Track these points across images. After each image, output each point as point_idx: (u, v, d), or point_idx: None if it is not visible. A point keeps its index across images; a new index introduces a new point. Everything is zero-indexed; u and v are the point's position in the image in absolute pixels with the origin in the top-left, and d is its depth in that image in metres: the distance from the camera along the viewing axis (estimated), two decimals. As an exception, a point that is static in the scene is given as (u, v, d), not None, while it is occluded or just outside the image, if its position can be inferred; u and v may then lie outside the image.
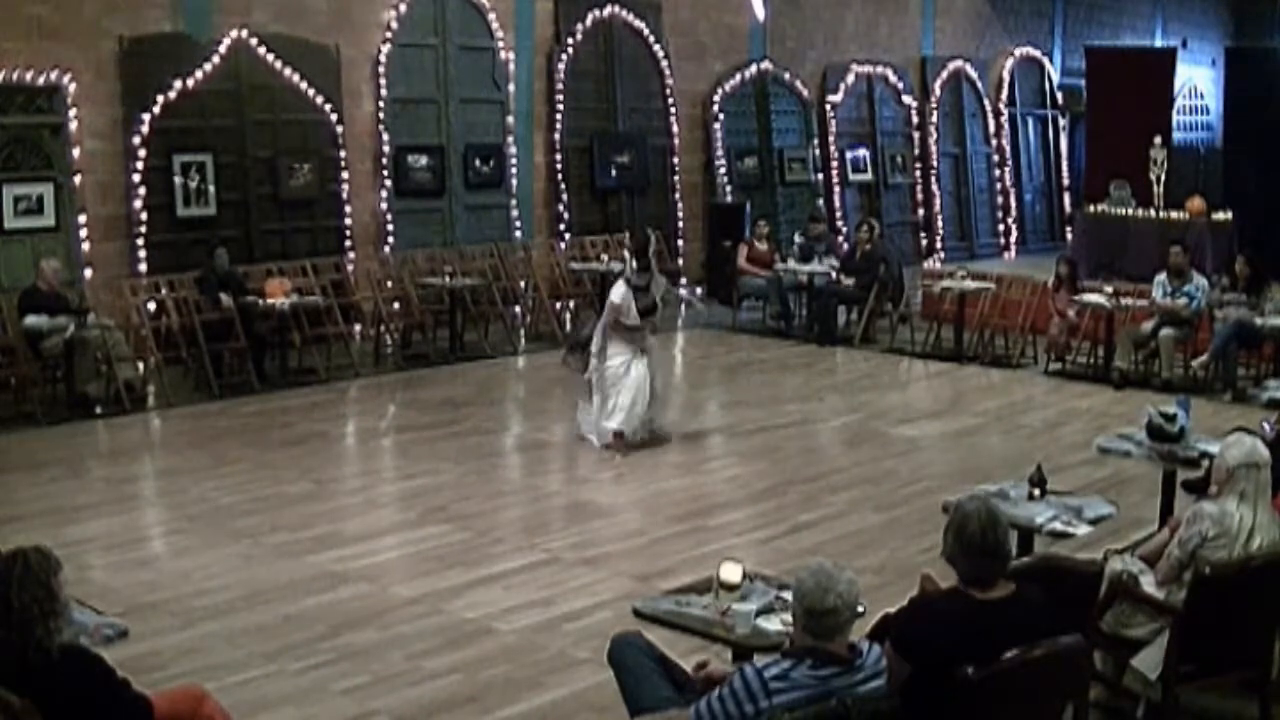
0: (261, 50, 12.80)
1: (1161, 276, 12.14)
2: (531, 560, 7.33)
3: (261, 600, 6.67)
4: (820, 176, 18.13)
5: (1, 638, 3.89)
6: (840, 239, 16.99)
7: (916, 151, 19.52)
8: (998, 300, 13.42)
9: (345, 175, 13.45)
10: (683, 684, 4.44)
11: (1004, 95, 20.95)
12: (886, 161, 18.96)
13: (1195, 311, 11.90)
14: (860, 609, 3.96)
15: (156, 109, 12.10)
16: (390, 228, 13.94)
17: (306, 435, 10.05)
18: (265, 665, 5.90)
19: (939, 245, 19.49)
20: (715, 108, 16.95)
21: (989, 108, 20.63)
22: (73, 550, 6.93)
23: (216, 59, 12.49)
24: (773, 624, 4.61)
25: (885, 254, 14.52)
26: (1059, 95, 21.85)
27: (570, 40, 15.39)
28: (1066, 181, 21.81)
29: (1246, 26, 24.65)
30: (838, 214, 18.12)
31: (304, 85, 13.08)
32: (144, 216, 12.11)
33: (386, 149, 13.87)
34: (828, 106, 18.31)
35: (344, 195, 13.46)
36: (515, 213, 14.93)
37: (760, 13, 16.36)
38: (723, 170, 16.99)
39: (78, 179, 11.68)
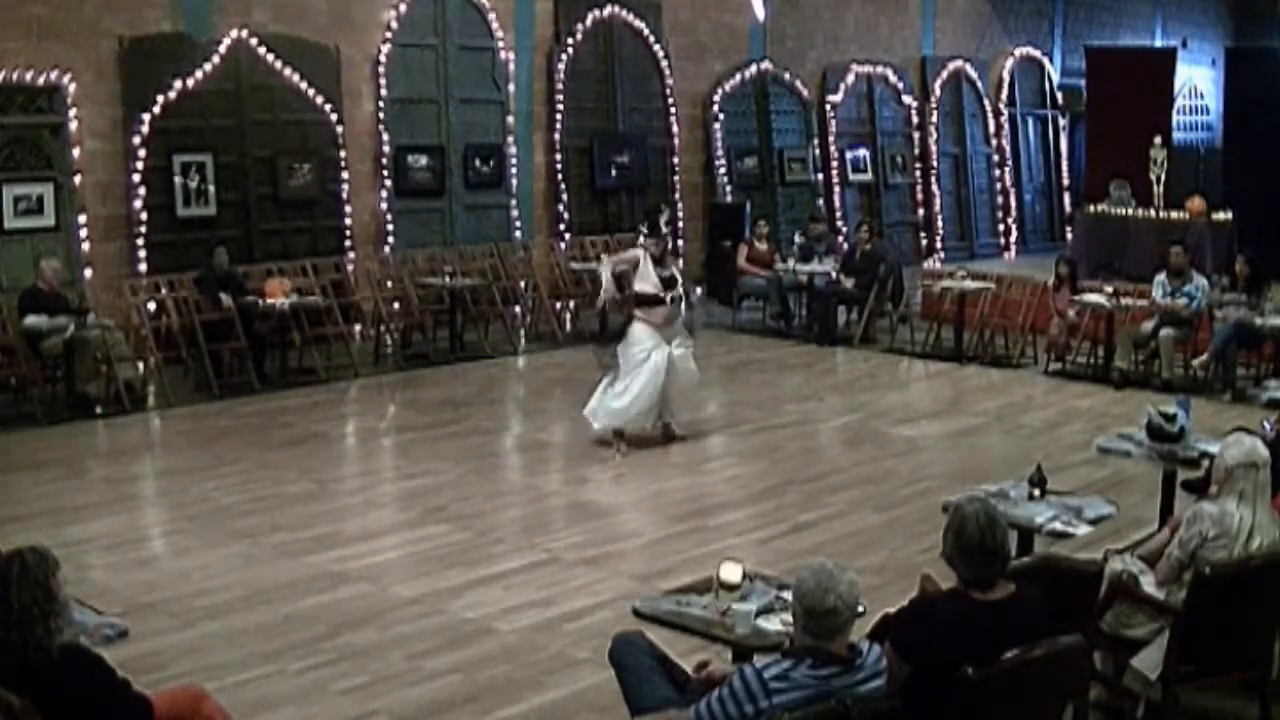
0: (261, 50, 12.80)
1: (1161, 276, 12.14)
2: (531, 560, 7.33)
3: (261, 600, 6.67)
4: (820, 176, 18.13)
5: (1, 638, 3.89)
6: (840, 239, 16.99)
7: (916, 151, 19.52)
8: (998, 300, 13.43)
9: (345, 175, 13.45)
10: (683, 684, 4.44)
11: (1004, 95, 20.95)
12: (886, 161, 18.96)
13: (1195, 311, 11.90)
14: (860, 609, 3.96)
15: (156, 109, 12.10)
16: (390, 228, 13.94)
17: (306, 435, 10.05)
18: (265, 665, 5.90)
19: (939, 245, 19.49)
20: (715, 108, 16.95)
21: (989, 108, 20.63)
22: (73, 550, 6.94)
23: (216, 59, 12.49)
24: (773, 624, 4.61)
25: (884, 254, 14.53)
26: (1059, 95, 21.85)
27: (570, 40, 15.39)
28: (1066, 181, 21.81)
29: (1246, 26, 24.65)
30: (838, 214, 18.12)
31: (304, 85, 13.08)
32: (144, 216, 12.11)
33: (386, 149, 13.87)
34: (828, 106, 18.31)
35: (344, 195, 13.46)
36: (515, 213, 14.93)
37: (760, 13, 16.36)
38: (723, 170, 17.00)
39: (78, 179, 11.68)
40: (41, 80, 11.42)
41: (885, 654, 4.00)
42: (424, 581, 6.96)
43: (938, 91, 19.77)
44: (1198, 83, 23.59)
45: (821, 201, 17.85)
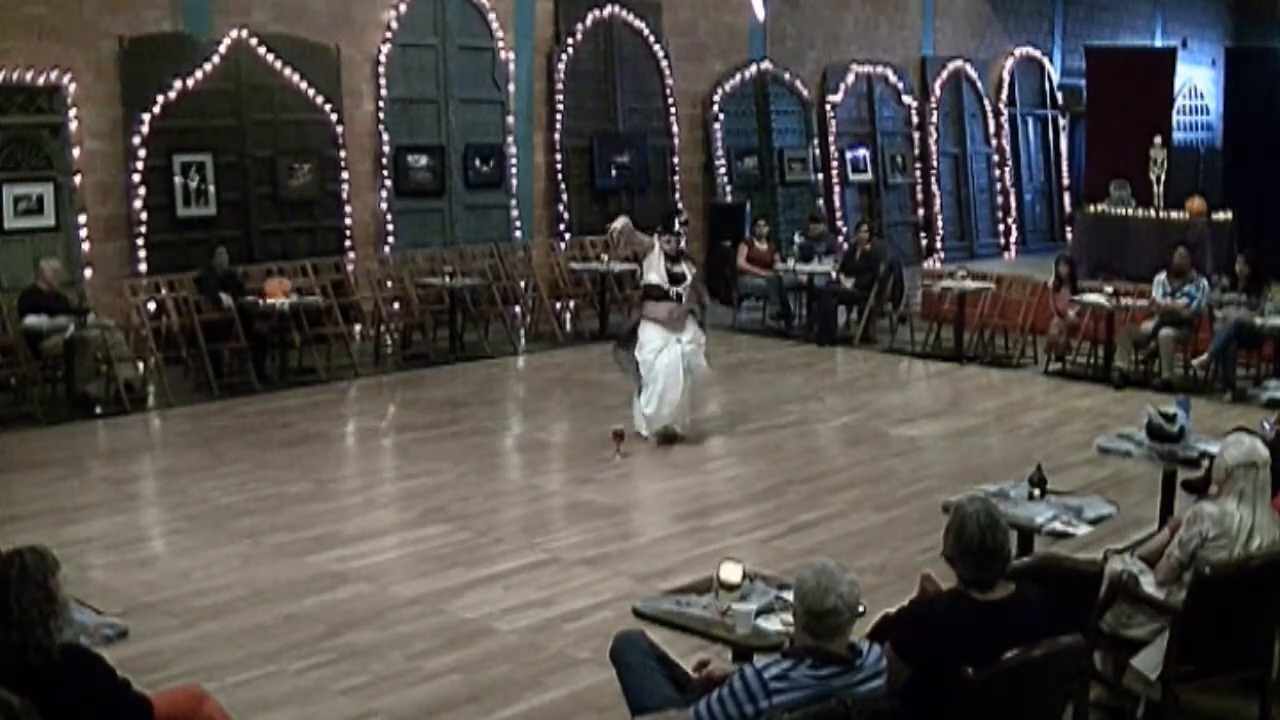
0: (261, 50, 12.81)
1: (1161, 276, 12.14)
2: (531, 560, 7.33)
3: (261, 600, 6.66)
4: (820, 176, 18.13)
5: (1, 638, 3.89)
6: (840, 239, 16.99)
7: (916, 151, 19.53)
8: (998, 300, 13.42)
9: (345, 175, 13.45)
10: (684, 684, 4.44)
11: (1004, 95, 20.96)
12: (886, 161, 18.96)
13: (1195, 311, 11.90)
14: (861, 609, 3.96)
15: (156, 109, 12.10)
16: (390, 228, 13.94)
17: (306, 435, 10.05)
18: (265, 665, 5.90)
19: (939, 245, 19.49)
20: (715, 108, 16.95)
21: (989, 108, 20.64)
22: (73, 550, 6.94)
23: (216, 59, 12.49)
24: (773, 624, 4.61)
25: (884, 254, 14.53)
26: (1059, 95, 21.85)
27: (570, 40, 15.39)
28: (1066, 181, 21.81)
29: (1246, 26, 24.65)
30: (838, 214, 18.13)
31: (304, 85, 13.08)
32: (144, 216, 12.11)
33: (386, 149, 13.87)
34: (828, 106, 18.31)
35: (344, 195, 13.46)
36: (515, 213, 14.93)
37: (760, 13, 16.36)
38: (723, 170, 17.00)
39: (78, 179, 11.68)
40: (41, 80, 11.42)
41: (885, 654, 4.00)
42: (424, 581, 6.96)
43: (938, 91, 19.78)
44: (1198, 83, 23.59)
45: (821, 201, 17.85)
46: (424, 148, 14.13)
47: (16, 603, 3.88)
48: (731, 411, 10.95)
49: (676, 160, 16.51)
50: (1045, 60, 21.79)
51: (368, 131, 13.81)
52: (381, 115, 13.83)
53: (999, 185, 20.68)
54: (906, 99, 19.36)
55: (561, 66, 15.29)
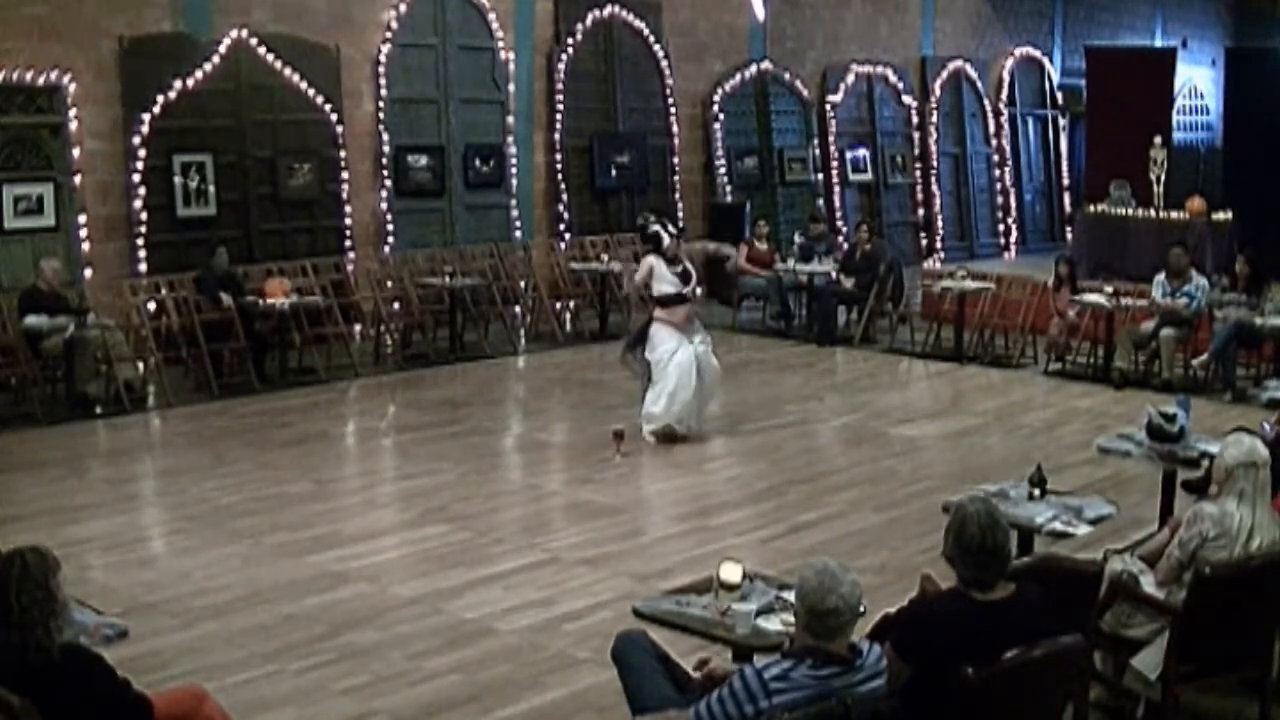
0: (261, 50, 12.81)
1: (1161, 276, 12.13)
2: (531, 560, 7.33)
3: (261, 600, 6.66)
4: (820, 176, 18.14)
5: (1, 638, 3.89)
6: (840, 239, 16.99)
7: (916, 151, 19.52)
8: (998, 300, 13.42)
9: (345, 175, 13.46)
10: (685, 684, 4.44)
11: (1004, 95, 20.96)
12: (886, 161, 18.97)
13: (1195, 311, 11.89)
14: (861, 610, 3.96)
15: (156, 109, 12.10)
16: (390, 228, 13.94)
17: (306, 435, 10.05)
18: (265, 665, 5.90)
19: (939, 245, 19.49)
20: (715, 108, 16.95)
21: (989, 108, 20.64)
22: (73, 550, 6.94)
23: (216, 59, 12.49)
24: (773, 624, 4.61)
25: (884, 254, 14.53)
26: (1059, 95, 21.85)
27: (570, 40, 15.39)
28: (1066, 181, 21.81)
29: (1246, 26, 24.65)
30: (838, 214, 18.13)
31: (304, 85, 13.08)
32: (144, 216, 12.11)
33: (386, 149, 13.87)
34: (828, 106, 18.31)
35: (344, 195, 13.47)
36: (515, 213, 14.93)
37: (760, 13, 16.36)
38: (723, 170, 17.00)
39: (78, 179, 11.68)
40: (41, 80, 11.42)
41: (885, 654, 4.00)
42: (424, 581, 6.96)
43: (938, 91, 19.78)
44: (1198, 83, 23.58)
45: (821, 201, 17.85)
46: (424, 148, 14.13)
47: (17, 603, 3.88)
48: (731, 411, 10.95)
49: (676, 160, 16.51)
50: (1045, 60, 21.79)
51: (368, 131, 13.81)
52: (381, 115, 13.83)
53: (999, 185, 20.68)
54: (906, 99, 19.36)
55: (561, 66, 15.29)
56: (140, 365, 11.25)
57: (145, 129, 12.05)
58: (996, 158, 20.69)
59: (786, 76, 17.70)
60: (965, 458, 9.70)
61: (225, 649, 6.07)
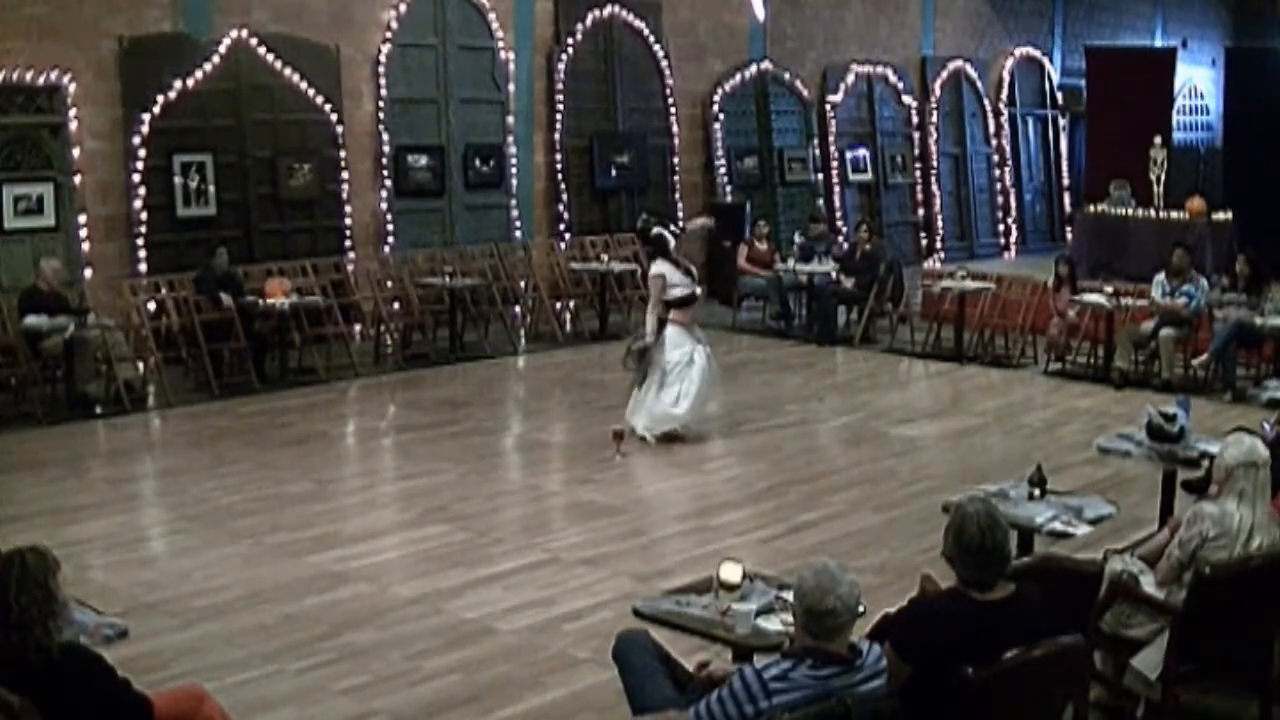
0: (261, 50, 12.81)
1: (1161, 276, 12.13)
2: (531, 560, 7.33)
3: (261, 600, 6.66)
4: (820, 176, 18.13)
5: (1, 638, 3.88)
6: (840, 239, 16.99)
7: (916, 151, 19.52)
8: (998, 300, 13.42)
9: (345, 175, 13.46)
10: (685, 683, 4.44)
11: (1004, 95, 20.95)
12: (886, 161, 18.96)
13: (1195, 311, 11.90)
14: (860, 610, 3.96)
15: (156, 109, 12.10)
16: (390, 228, 13.94)
17: (306, 435, 10.05)
18: (265, 665, 5.90)
19: (939, 245, 19.49)
20: (715, 108, 16.95)
21: (989, 108, 20.63)
22: (73, 550, 6.94)
23: (216, 59, 12.49)
24: (773, 624, 4.61)
25: (884, 253, 14.53)
26: (1059, 95, 21.84)
27: (570, 40, 15.39)
28: (1066, 181, 21.81)
29: (1246, 26, 24.65)
30: (838, 214, 18.13)
31: (304, 85, 13.08)
32: (144, 216, 12.11)
33: (386, 149, 13.87)
34: (828, 106, 18.31)
35: (344, 195, 13.47)
36: (515, 213, 14.93)
37: (760, 13, 16.36)
38: (723, 170, 17.00)
39: (78, 179, 11.68)
40: (41, 80, 11.42)
41: (885, 654, 4.00)
42: (424, 581, 6.96)
43: (938, 91, 19.78)
44: (1198, 83, 23.58)
45: (821, 201, 17.85)
46: (424, 148, 14.13)
47: (16, 603, 3.88)
48: (731, 411, 10.94)
49: (676, 160, 16.51)
50: (1045, 60, 21.78)
51: (368, 131, 13.81)
52: (381, 115, 13.83)
53: (999, 185, 20.68)
54: (906, 99, 19.35)
55: (561, 66, 15.29)
56: (140, 365, 11.25)
57: (145, 129, 12.05)
58: (996, 158, 20.69)
59: (786, 76, 17.70)
60: (965, 458, 9.70)
61: (225, 649, 6.07)
